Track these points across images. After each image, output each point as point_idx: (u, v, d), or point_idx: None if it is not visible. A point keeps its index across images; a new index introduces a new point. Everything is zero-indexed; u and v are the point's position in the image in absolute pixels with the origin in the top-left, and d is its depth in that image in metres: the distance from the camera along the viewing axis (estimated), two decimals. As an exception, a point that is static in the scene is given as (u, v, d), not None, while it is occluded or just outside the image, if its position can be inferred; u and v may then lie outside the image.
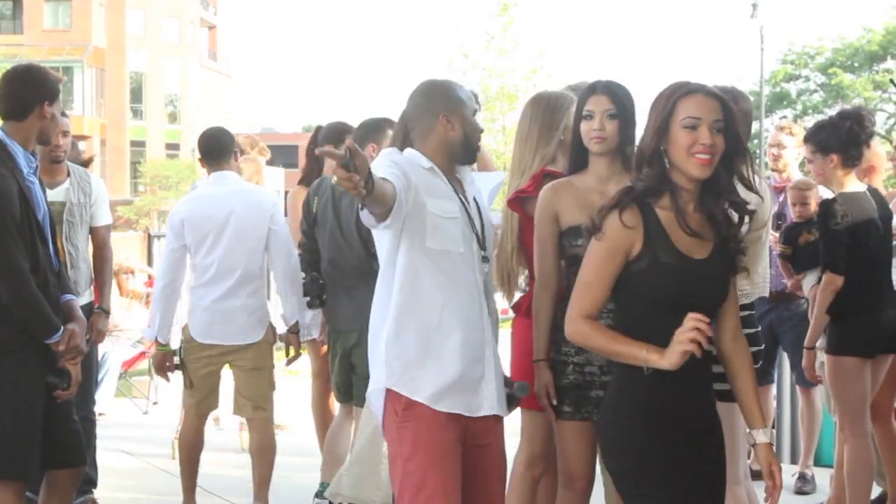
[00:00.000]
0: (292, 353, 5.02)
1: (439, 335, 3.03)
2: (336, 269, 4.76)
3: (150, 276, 8.07)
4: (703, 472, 2.71)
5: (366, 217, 2.87)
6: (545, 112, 3.81)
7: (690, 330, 2.52)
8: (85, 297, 4.92)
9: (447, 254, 3.05)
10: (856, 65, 30.34)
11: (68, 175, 4.93)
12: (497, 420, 3.18)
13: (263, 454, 4.95)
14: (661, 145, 2.68)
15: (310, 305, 4.95)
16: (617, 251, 2.68)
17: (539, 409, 3.55)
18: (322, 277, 4.84)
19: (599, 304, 2.72)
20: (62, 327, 3.60)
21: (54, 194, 4.80)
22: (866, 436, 4.39)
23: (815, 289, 4.72)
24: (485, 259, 3.17)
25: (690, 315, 2.54)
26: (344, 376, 4.78)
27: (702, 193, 2.71)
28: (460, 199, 3.14)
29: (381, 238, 3.08)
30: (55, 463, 3.68)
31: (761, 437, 2.79)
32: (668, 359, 2.56)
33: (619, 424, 2.74)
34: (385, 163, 2.96)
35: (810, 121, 29.21)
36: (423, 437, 3.02)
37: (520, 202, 3.73)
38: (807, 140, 4.54)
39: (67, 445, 3.71)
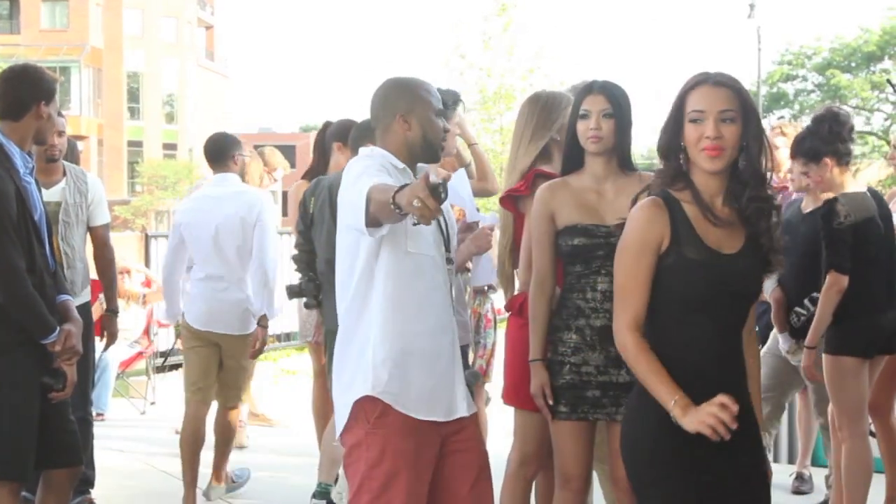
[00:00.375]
0: (258, 346, 5.13)
1: (420, 340, 3.01)
2: (333, 270, 4.74)
3: (146, 277, 8.04)
4: (721, 478, 2.62)
5: (369, 223, 2.83)
6: (541, 111, 3.82)
7: (711, 415, 2.45)
8: (82, 296, 4.91)
9: (423, 257, 3.03)
10: (853, 65, 30.35)
11: (64, 174, 4.92)
12: (471, 419, 3.15)
13: (228, 434, 5.29)
14: (679, 140, 2.64)
15: (307, 306, 4.96)
16: (645, 245, 2.62)
17: (532, 409, 3.55)
18: (318, 278, 4.84)
19: (641, 308, 2.63)
20: (58, 328, 3.60)
21: (50, 194, 4.80)
22: (865, 436, 4.39)
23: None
24: (449, 261, 3.17)
25: (720, 398, 2.47)
26: None
27: (731, 185, 2.64)
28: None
29: (358, 244, 3.02)
30: (51, 463, 3.68)
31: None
32: (687, 422, 2.49)
33: (636, 421, 2.70)
34: (375, 167, 2.94)
35: (807, 121, 29.17)
36: (391, 446, 2.97)
37: (513, 201, 3.73)
38: (795, 155, 4.51)
39: (64, 445, 3.70)
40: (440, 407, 3.05)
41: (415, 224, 2.66)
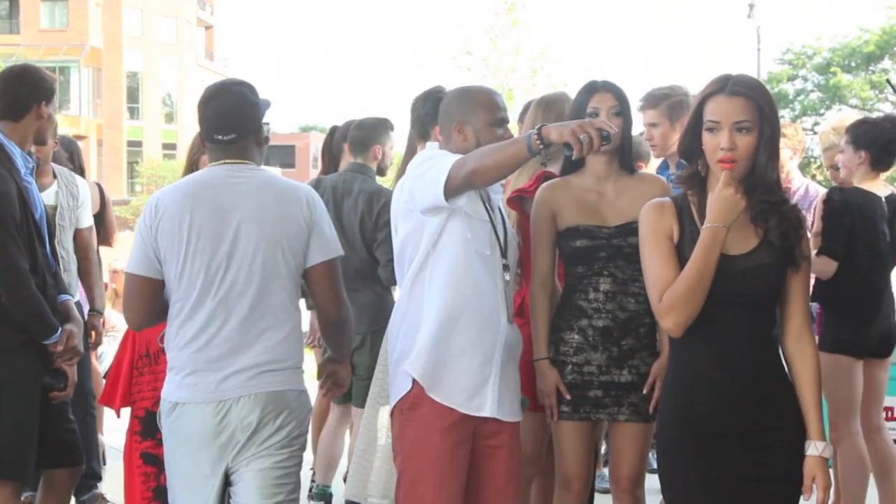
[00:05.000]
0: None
1: (457, 328, 3.08)
2: None
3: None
4: (738, 482, 2.62)
5: (448, 194, 2.98)
6: (556, 115, 3.83)
7: None
8: (75, 298, 4.95)
9: (478, 253, 3.11)
10: (853, 65, 30.32)
11: (54, 177, 4.94)
12: (511, 424, 3.19)
13: None
14: (699, 144, 2.66)
15: (308, 307, 4.93)
16: (658, 233, 2.65)
17: (531, 409, 3.54)
18: None
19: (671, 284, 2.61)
20: (60, 328, 3.60)
21: (44, 197, 4.82)
22: (859, 434, 4.41)
23: None
24: (505, 267, 3.19)
25: None
26: None
27: (746, 188, 2.63)
28: (485, 205, 3.18)
29: (422, 230, 3.10)
30: (52, 463, 3.69)
31: (811, 449, 2.65)
32: None
33: (660, 422, 2.73)
34: (446, 154, 3.10)
35: (808, 122, 29.20)
36: (422, 439, 3.06)
37: (519, 201, 3.73)
38: (847, 131, 4.55)
39: (64, 445, 3.71)
40: (470, 400, 3.09)
41: (567, 154, 2.83)
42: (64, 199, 4.91)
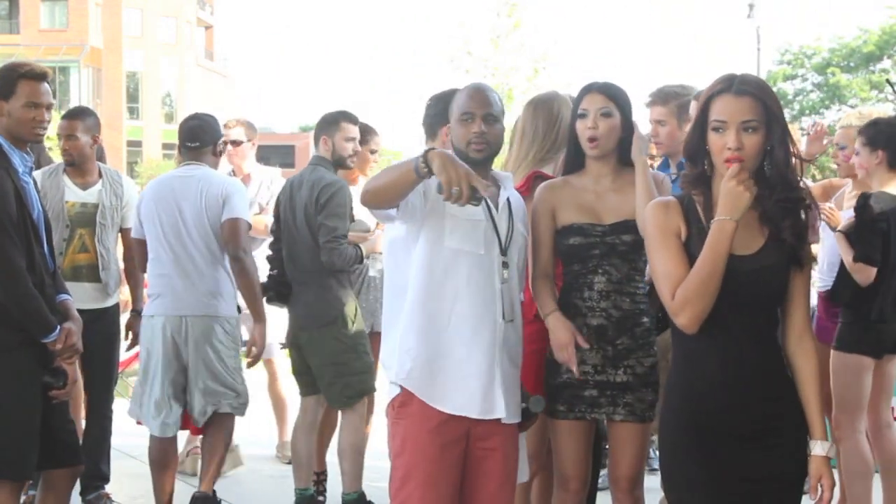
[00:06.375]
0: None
1: (448, 334, 3.06)
2: (294, 264, 4.78)
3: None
4: (742, 482, 2.62)
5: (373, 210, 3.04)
6: (545, 113, 3.83)
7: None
8: (114, 298, 4.96)
9: (465, 254, 3.06)
10: (852, 65, 30.33)
11: (100, 176, 4.97)
12: (506, 426, 3.16)
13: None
14: (704, 144, 2.64)
15: (268, 301, 4.87)
16: (666, 230, 2.63)
17: None
18: (285, 275, 4.82)
19: (682, 280, 2.58)
20: (58, 326, 3.60)
21: (87, 195, 4.91)
22: (862, 433, 4.41)
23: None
24: (505, 265, 3.15)
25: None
26: (302, 367, 4.82)
27: (762, 187, 2.59)
28: (486, 202, 3.11)
29: (398, 232, 3.11)
30: (51, 463, 3.68)
31: (818, 448, 2.64)
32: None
33: (663, 421, 2.73)
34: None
35: (807, 122, 29.16)
36: (411, 437, 3.06)
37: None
38: (860, 132, 4.51)
39: (64, 445, 3.70)
40: (465, 402, 3.07)
41: (438, 192, 2.79)
42: (107, 198, 4.96)
